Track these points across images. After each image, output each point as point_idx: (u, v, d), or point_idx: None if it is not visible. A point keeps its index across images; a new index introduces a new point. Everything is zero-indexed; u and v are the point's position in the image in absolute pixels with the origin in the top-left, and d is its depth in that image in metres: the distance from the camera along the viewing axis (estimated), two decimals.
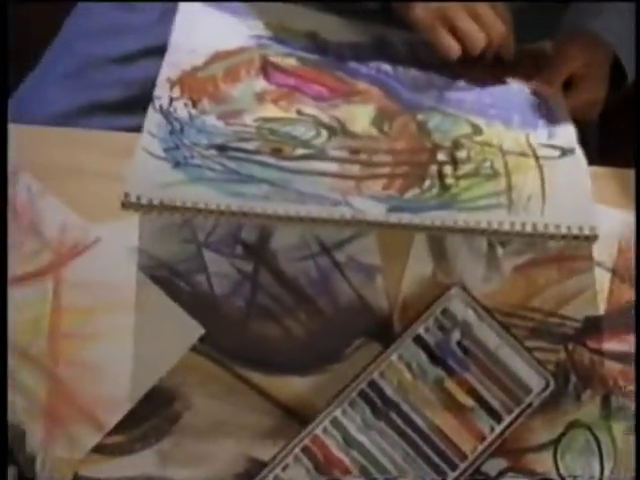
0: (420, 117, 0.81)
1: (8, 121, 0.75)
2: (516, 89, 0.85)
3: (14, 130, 0.77)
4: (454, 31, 0.83)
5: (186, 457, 0.70)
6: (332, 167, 0.74)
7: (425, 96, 0.84)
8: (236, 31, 0.88)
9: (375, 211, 0.70)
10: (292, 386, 0.72)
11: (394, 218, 0.69)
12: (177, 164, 0.72)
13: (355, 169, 0.74)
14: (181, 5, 0.89)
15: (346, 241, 0.75)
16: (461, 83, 0.86)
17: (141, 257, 0.74)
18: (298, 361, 0.73)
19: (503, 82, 0.86)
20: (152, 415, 0.71)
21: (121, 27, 0.96)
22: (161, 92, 0.79)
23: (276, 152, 0.75)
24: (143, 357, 0.71)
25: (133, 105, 0.91)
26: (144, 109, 0.86)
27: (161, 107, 0.77)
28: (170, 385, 0.71)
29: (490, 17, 0.84)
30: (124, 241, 0.74)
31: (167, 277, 0.74)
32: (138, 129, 0.83)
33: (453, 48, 0.83)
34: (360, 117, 0.81)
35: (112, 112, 0.92)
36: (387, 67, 0.87)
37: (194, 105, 0.78)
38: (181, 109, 0.78)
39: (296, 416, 0.72)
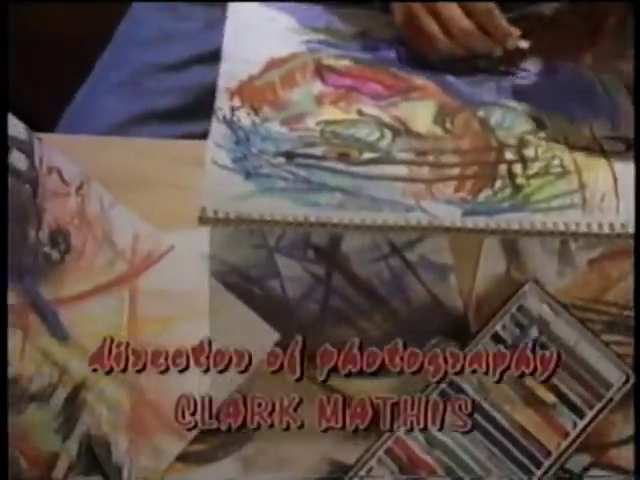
0: (481, 113, 0.81)
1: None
2: (572, 72, 0.85)
3: (80, 140, 0.78)
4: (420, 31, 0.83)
5: (269, 463, 0.70)
6: (401, 171, 0.74)
7: (483, 89, 0.84)
8: (286, 38, 0.88)
9: (450, 216, 0.70)
10: (369, 388, 0.72)
11: (470, 223, 0.69)
12: (248, 175, 0.72)
13: (424, 172, 0.74)
14: (229, 13, 0.89)
15: (416, 241, 0.75)
16: (516, 72, 0.86)
17: (213, 264, 0.74)
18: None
19: (557, 65, 0.86)
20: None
21: (170, 34, 0.96)
22: (222, 103, 0.79)
23: (343, 157, 0.75)
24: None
25: (188, 112, 0.92)
26: (199, 116, 0.86)
27: (224, 117, 0.78)
28: (249, 392, 0.71)
29: (454, 18, 0.82)
30: (196, 248, 0.74)
31: (240, 283, 0.74)
32: (194, 136, 0.83)
33: (423, 49, 0.83)
34: (421, 115, 0.81)
35: (167, 120, 0.93)
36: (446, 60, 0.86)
37: (256, 113, 0.79)
38: (244, 118, 0.78)
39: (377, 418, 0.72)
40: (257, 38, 0.87)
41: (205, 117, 0.87)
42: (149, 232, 0.74)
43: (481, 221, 0.69)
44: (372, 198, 0.71)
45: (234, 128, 0.77)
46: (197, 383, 0.71)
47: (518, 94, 0.84)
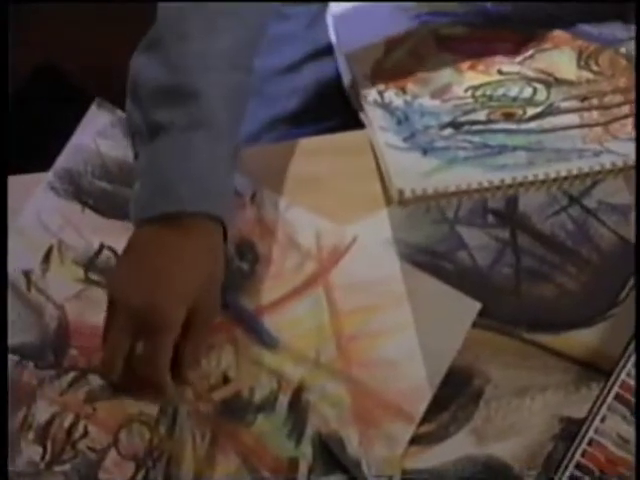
0: (623, 50, 0.80)
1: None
2: None
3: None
4: None
5: (501, 430, 0.70)
6: (572, 119, 0.74)
7: (610, 27, 0.83)
8: (394, 17, 0.87)
9: None
10: (580, 340, 0.72)
11: None
12: (425, 151, 0.72)
13: (594, 116, 0.74)
14: (331, 8, 0.89)
15: (592, 187, 0.75)
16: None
17: (399, 246, 0.74)
18: (579, 314, 0.73)
19: None
20: (456, 396, 0.71)
21: (278, 38, 0.96)
22: (365, 89, 0.78)
23: (509, 117, 0.75)
24: (430, 343, 0.72)
25: (313, 110, 0.92)
26: (326, 111, 0.86)
27: (375, 101, 0.77)
28: (464, 364, 0.71)
29: None
30: (378, 235, 0.74)
31: (430, 260, 0.74)
32: (327, 132, 0.83)
33: None
34: (563, 62, 0.80)
35: (294, 121, 0.92)
36: (553, 7, 0.85)
37: (404, 92, 0.78)
38: (395, 99, 0.78)
39: (593, 367, 0.71)
40: (365, 23, 0.87)
41: (332, 111, 0.87)
42: (329, 227, 0.74)
43: None
44: (556, 150, 0.70)
45: (390, 110, 0.77)
46: (410, 366, 0.70)
47: None
